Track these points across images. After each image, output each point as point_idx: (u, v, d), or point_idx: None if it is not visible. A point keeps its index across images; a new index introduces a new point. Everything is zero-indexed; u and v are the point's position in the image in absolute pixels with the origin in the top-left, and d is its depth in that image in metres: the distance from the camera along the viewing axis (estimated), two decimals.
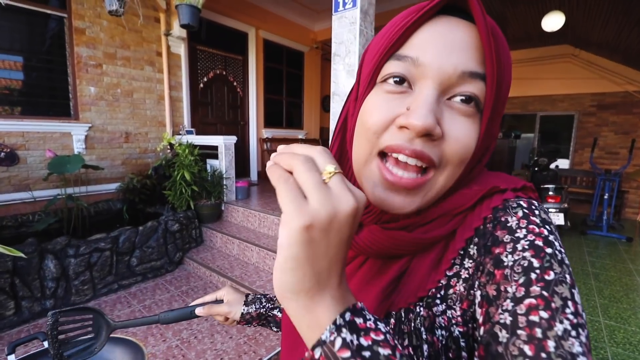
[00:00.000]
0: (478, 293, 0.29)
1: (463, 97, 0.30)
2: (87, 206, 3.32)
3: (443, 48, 0.30)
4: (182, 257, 3.25)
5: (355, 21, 2.37)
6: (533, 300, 0.24)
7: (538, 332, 0.22)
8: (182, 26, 3.04)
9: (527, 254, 0.27)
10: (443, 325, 0.30)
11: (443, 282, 0.32)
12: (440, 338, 0.30)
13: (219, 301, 0.65)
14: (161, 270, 3.05)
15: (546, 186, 4.52)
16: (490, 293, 0.27)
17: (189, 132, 4.22)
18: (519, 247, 0.28)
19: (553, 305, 0.23)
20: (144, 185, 3.77)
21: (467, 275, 0.31)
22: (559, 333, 0.22)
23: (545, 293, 0.24)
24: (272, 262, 2.85)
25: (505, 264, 0.27)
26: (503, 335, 0.24)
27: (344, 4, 2.40)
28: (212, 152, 3.92)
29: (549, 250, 0.27)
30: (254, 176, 5.61)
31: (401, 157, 0.30)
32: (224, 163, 3.78)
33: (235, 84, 5.25)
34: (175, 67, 4.29)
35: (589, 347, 0.23)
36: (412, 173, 0.31)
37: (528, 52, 6.25)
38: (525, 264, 0.26)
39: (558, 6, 3.90)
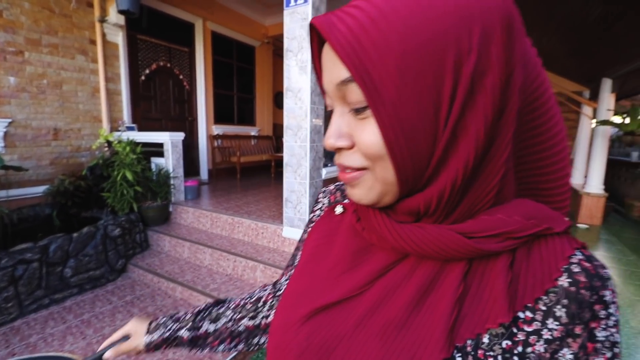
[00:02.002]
0: None
1: (352, 109, 0.30)
2: (8, 212, 2.92)
3: (325, 71, 0.32)
4: (126, 264, 3.01)
5: (307, 17, 2.37)
6: None
7: None
8: (120, 12, 2.78)
9: (614, 330, 0.29)
10: None
11: (518, 335, 0.29)
12: None
13: (125, 338, 0.60)
14: (101, 280, 2.79)
15: None
16: None
17: (129, 129, 3.90)
18: (611, 323, 0.29)
19: None
20: (78, 188, 3.41)
21: (550, 337, 0.29)
22: None
23: None
24: (226, 263, 2.77)
25: (598, 338, 0.28)
26: None
27: (296, 0, 2.38)
28: (157, 149, 3.67)
29: (619, 324, 0.29)
30: (204, 175, 5.37)
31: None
32: (170, 161, 3.56)
33: (181, 77, 4.96)
34: (113, 57, 3.93)
35: None
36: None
37: None
38: (612, 339, 0.28)
39: None
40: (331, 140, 0.32)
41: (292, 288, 0.40)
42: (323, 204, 0.51)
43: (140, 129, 4.12)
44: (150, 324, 0.60)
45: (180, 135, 3.61)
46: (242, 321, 0.57)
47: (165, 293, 2.68)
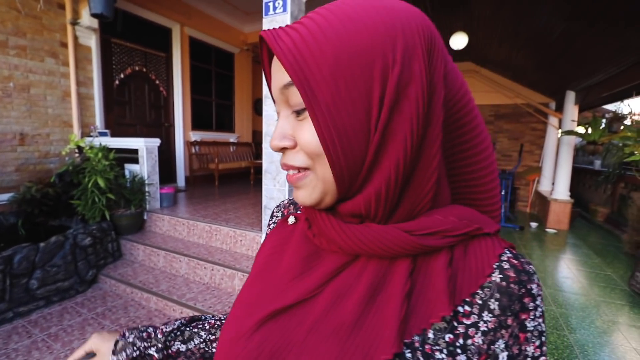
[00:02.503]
0: (505, 354, 0.31)
1: (293, 110, 0.33)
2: None
3: (272, 78, 0.34)
4: (96, 275, 2.89)
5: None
6: (544, 358, 0.32)
7: None
8: (93, 15, 2.71)
9: (541, 320, 0.32)
10: None
11: (459, 329, 0.31)
12: None
13: (90, 355, 0.56)
14: (70, 291, 2.67)
15: None
16: (514, 352, 0.31)
17: (102, 134, 3.78)
18: (538, 314, 0.32)
19: None
20: (46, 195, 3.25)
21: (486, 329, 0.31)
22: None
23: (545, 349, 0.32)
24: (203, 272, 2.71)
25: (528, 328, 0.32)
26: None
27: (274, 8, 2.41)
28: (131, 156, 3.57)
29: (544, 313, 0.33)
30: (181, 182, 5.26)
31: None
32: (145, 168, 3.47)
33: (157, 82, 4.87)
34: (85, 61, 3.81)
35: None
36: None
37: None
38: (540, 329, 0.32)
39: (463, 27, 4.47)
40: (275, 141, 0.34)
41: (243, 297, 0.39)
42: (277, 218, 0.52)
43: (114, 135, 4.00)
44: (116, 343, 0.55)
45: (155, 141, 3.53)
46: (215, 343, 0.55)
47: (138, 304, 2.59)
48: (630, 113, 4.53)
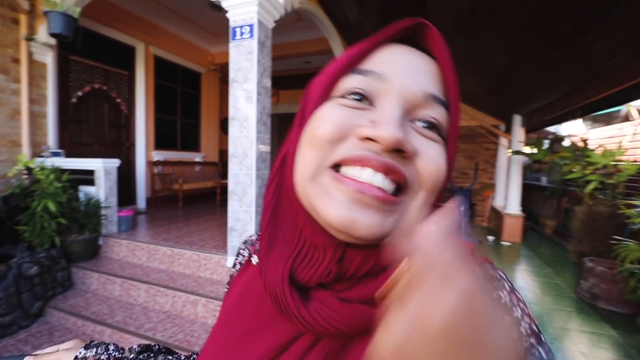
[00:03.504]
0: None
1: (426, 122, 0.28)
2: None
3: (408, 68, 0.29)
4: (43, 308, 2.65)
5: (253, 51, 2.46)
6: None
7: None
8: (52, 35, 2.61)
9: (532, 339, 0.26)
10: None
11: None
12: None
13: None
14: (11, 327, 2.41)
15: None
16: None
17: (55, 154, 3.55)
18: (523, 331, 0.26)
19: None
20: None
21: None
22: None
23: None
24: (164, 299, 2.58)
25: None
26: None
27: (242, 33, 2.47)
28: (87, 177, 3.37)
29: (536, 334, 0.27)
30: (141, 203, 5.02)
31: (365, 174, 0.26)
32: (102, 190, 3.30)
33: (118, 100, 4.70)
34: (39, 78, 3.62)
35: None
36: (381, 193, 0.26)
37: None
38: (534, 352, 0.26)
39: None
40: (401, 133, 0.25)
41: (203, 354, 0.36)
42: (243, 257, 0.44)
43: (69, 155, 3.78)
44: (90, 341, 0.51)
45: (114, 162, 3.38)
46: None
47: (91, 338, 2.39)
48: (568, 135, 5.04)
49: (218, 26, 5.34)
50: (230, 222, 2.62)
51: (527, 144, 5.71)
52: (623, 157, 3.94)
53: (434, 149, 0.27)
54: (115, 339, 2.33)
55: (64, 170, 3.13)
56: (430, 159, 0.27)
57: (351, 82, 0.29)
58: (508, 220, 5.96)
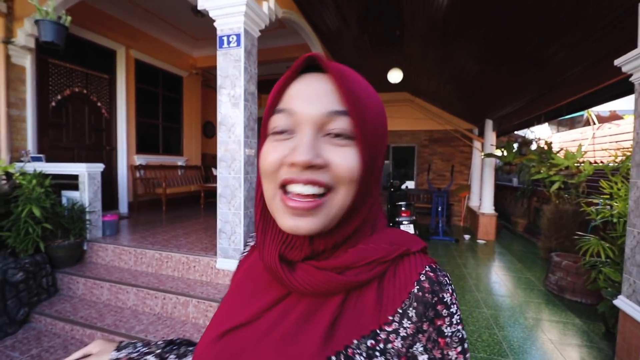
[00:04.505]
0: (425, 357, 0.35)
1: (334, 133, 0.36)
2: None
3: (310, 96, 0.36)
4: (29, 314, 2.62)
5: (240, 59, 2.56)
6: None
7: None
8: (45, 43, 2.61)
9: (460, 327, 0.37)
10: None
11: (381, 336, 0.36)
12: None
13: (87, 356, 0.60)
14: None
15: (399, 203, 5.53)
16: (436, 356, 0.35)
17: (35, 159, 3.50)
18: (454, 321, 0.36)
19: None
20: None
21: (405, 334, 0.35)
22: None
23: (468, 355, 0.37)
24: (154, 301, 2.62)
25: (446, 334, 0.36)
26: None
27: (229, 42, 2.56)
28: (69, 182, 3.35)
29: (461, 320, 0.38)
30: (123, 208, 4.97)
31: (297, 188, 0.35)
32: (87, 195, 3.28)
33: (99, 104, 4.65)
34: (18, 81, 3.55)
35: None
36: (310, 199, 0.36)
37: (382, 95, 7.69)
38: (459, 335, 0.36)
39: (397, 63, 5.03)
40: (309, 156, 0.34)
41: (216, 314, 0.45)
42: (249, 246, 0.55)
43: (49, 159, 3.72)
44: (120, 343, 0.61)
45: (99, 167, 3.37)
46: None
47: (80, 341, 2.40)
48: (535, 139, 5.39)
49: (200, 31, 5.38)
50: (219, 224, 2.69)
51: (498, 147, 6.07)
52: (584, 159, 4.30)
53: (342, 152, 0.36)
54: None
55: (46, 175, 3.10)
56: (339, 163, 0.35)
57: (275, 121, 0.38)
58: (483, 220, 6.29)
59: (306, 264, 0.38)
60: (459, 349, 0.36)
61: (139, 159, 5.23)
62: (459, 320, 0.37)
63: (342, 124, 0.36)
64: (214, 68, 6.48)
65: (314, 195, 0.35)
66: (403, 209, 5.46)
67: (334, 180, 0.36)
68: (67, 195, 3.37)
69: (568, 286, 3.58)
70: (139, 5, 4.44)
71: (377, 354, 0.35)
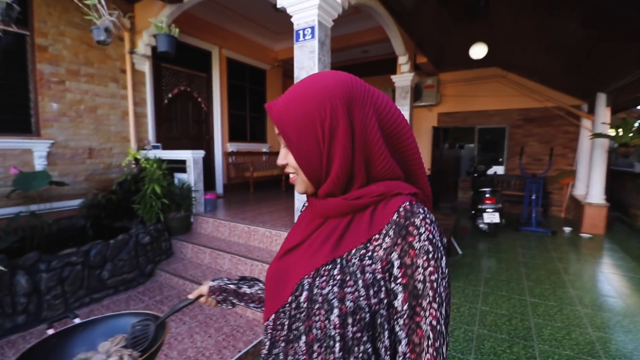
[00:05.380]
0: (398, 262, 0.48)
1: (284, 146, 0.57)
2: (50, 223, 3.29)
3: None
4: (153, 269, 3.32)
5: (314, 50, 2.73)
6: (432, 269, 0.47)
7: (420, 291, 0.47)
8: (161, 53, 3.23)
9: (427, 243, 0.48)
10: (369, 271, 0.49)
11: (370, 247, 0.50)
12: (369, 277, 0.49)
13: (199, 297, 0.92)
14: (133, 282, 3.10)
15: (483, 189, 5.15)
16: (407, 262, 0.48)
17: (155, 147, 4.30)
18: (422, 238, 0.48)
19: (431, 291, 0.47)
20: (109, 201, 3.78)
21: (386, 246, 0.49)
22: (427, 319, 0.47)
23: (433, 263, 0.47)
24: (244, 267, 3.05)
25: (415, 247, 0.48)
26: (419, 287, 0.47)
27: (304, 35, 2.75)
28: (179, 166, 4.04)
29: (433, 240, 0.49)
30: (219, 189, 5.73)
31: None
32: (192, 176, 3.92)
33: (199, 100, 5.40)
34: (140, 84, 4.38)
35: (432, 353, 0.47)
36: (292, 177, 0.59)
37: (465, 73, 7.09)
38: (425, 249, 0.48)
39: (482, 37, 4.61)
40: (278, 161, 0.60)
41: (283, 242, 0.65)
42: (305, 204, 0.76)
43: (164, 148, 4.52)
44: (213, 279, 0.91)
45: (201, 153, 3.98)
46: None
47: (190, 293, 2.96)
48: None
49: (280, 25, 5.72)
50: (297, 203, 2.97)
51: (612, 126, 5.12)
52: None
53: (289, 155, 0.56)
54: None
55: (163, 160, 3.80)
56: (289, 161, 0.57)
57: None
58: (589, 210, 5.45)
59: (324, 199, 0.57)
60: (424, 257, 0.47)
61: (231, 147, 5.93)
62: (427, 237, 0.48)
63: (282, 139, 0.55)
64: (293, 59, 6.89)
65: (294, 175, 0.59)
66: (487, 195, 5.08)
67: (294, 168, 0.57)
68: (178, 176, 4.07)
69: None
70: (228, 7, 4.95)
71: (366, 258, 0.50)
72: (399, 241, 0.49)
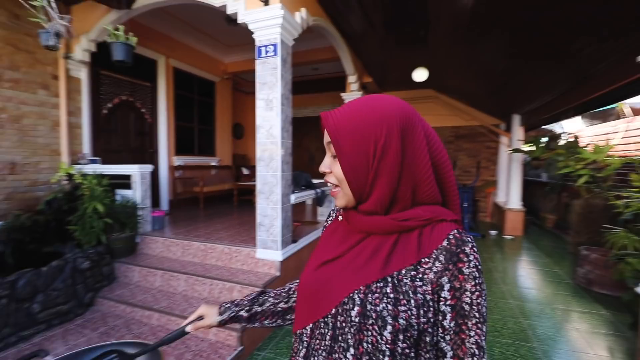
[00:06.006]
0: (448, 285, 0.51)
1: (332, 155, 0.60)
2: None
3: (325, 136, 0.61)
4: (94, 298, 2.99)
5: (277, 67, 2.79)
6: (478, 293, 0.51)
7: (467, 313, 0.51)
8: (116, 62, 2.99)
9: (475, 270, 0.51)
10: (420, 292, 0.51)
11: (420, 269, 0.53)
12: (420, 297, 0.51)
13: (200, 318, 0.86)
14: (69, 314, 2.75)
15: None
16: (455, 285, 0.51)
17: (93, 161, 3.91)
18: (471, 265, 0.51)
19: (477, 313, 0.51)
20: (35, 222, 3.31)
21: (436, 270, 0.52)
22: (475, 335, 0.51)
23: (479, 287, 0.51)
24: (202, 287, 2.91)
25: (465, 272, 0.51)
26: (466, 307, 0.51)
27: (267, 52, 2.80)
28: (122, 181, 3.72)
29: (479, 267, 0.52)
30: (164, 205, 5.37)
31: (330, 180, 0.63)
32: (139, 193, 3.64)
33: (143, 110, 5.06)
34: (75, 92, 3.97)
35: None
36: (333, 189, 0.62)
37: (405, 93, 7.73)
38: (474, 275, 0.51)
39: (422, 62, 5.12)
40: (322, 168, 0.63)
41: (314, 254, 0.66)
42: (332, 216, 0.78)
43: (102, 162, 4.13)
44: (220, 307, 0.86)
45: (149, 167, 3.73)
46: (279, 305, 0.83)
47: (140, 322, 2.73)
48: (563, 133, 5.31)
49: (231, 38, 5.68)
50: (259, 218, 2.95)
51: (526, 142, 6.01)
52: (614, 153, 4.23)
53: (336, 165, 0.59)
54: (162, 322, 2.67)
55: (104, 176, 3.47)
56: (334, 171, 0.60)
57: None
58: (510, 215, 6.25)
59: (367, 215, 0.59)
60: (472, 282, 0.51)
61: (178, 160, 5.63)
62: (475, 265, 0.52)
63: (332, 148, 0.58)
64: (244, 72, 6.86)
65: (335, 186, 0.62)
66: None
67: (338, 179, 0.60)
68: (121, 193, 3.74)
69: (596, 279, 3.59)
70: (178, 17, 4.79)
71: (417, 279, 0.53)
72: (450, 267, 0.52)
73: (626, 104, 5.26)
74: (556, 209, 6.81)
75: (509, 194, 6.46)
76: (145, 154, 5.14)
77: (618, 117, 5.32)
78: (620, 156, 4.13)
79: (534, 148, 5.44)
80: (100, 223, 3.14)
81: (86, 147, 4.11)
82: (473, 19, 3.33)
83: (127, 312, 2.84)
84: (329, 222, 0.77)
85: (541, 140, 5.37)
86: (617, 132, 5.01)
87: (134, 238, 3.57)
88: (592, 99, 3.80)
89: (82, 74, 4.04)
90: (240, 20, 2.85)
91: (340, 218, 0.70)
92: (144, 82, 5.04)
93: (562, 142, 5.23)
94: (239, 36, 5.49)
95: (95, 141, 4.28)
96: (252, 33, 2.87)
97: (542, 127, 7.31)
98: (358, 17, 3.90)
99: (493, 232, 6.33)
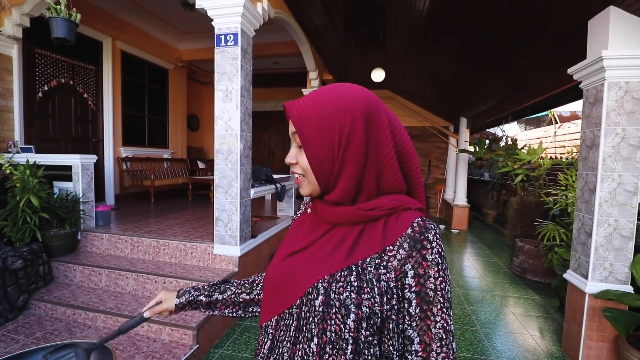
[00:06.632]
0: (412, 272, 0.52)
1: (297, 145, 0.58)
2: None
3: (290, 126, 0.58)
4: (28, 301, 2.70)
5: (237, 57, 2.72)
6: (441, 278, 0.52)
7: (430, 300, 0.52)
8: (56, 39, 2.65)
9: (438, 256, 0.52)
10: (384, 280, 0.52)
11: (384, 257, 0.53)
12: (383, 285, 0.52)
13: (159, 303, 0.84)
14: None
15: None
16: (419, 272, 0.52)
17: (25, 150, 3.51)
18: (434, 251, 0.52)
19: (441, 298, 0.52)
20: None
21: (400, 257, 0.52)
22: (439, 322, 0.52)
23: (443, 273, 0.52)
24: (154, 285, 2.77)
25: (428, 259, 0.52)
26: (430, 294, 0.52)
27: (226, 41, 2.71)
28: (60, 172, 3.39)
29: (442, 254, 0.53)
30: (110, 200, 4.99)
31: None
32: (80, 185, 3.34)
33: (85, 96, 4.63)
34: (5, 72, 3.53)
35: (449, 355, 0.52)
36: (298, 178, 0.61)
37: None
38: (437, 260, 0.52)
39: (380, 63, 5.30)
40: (288, 159, 0.61)
41: (280, 247, 0.65)
42: (302, 208, 0.76)
43: (36, 150, 3.72)
44: (178, 291, 0.84)
45: (92, 158, 3.43)
46: (242, 295, 0.81)
47: (83, 324, 2.53)
48: (504, 136, 5.83)
49: (186, 24, 5.41)
50: (217, 212, 2.86)
51: (471, 144, 6.50)
52: (546, 154, 4.75)
53: (301, 155, 0.58)
54: (109, 324, 2.49)
55: (39, 166, 3.13)
56: (300, 161, 0.58)
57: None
58: (456, 211, 6.72)
59: (333, 206, 0.58)
60: (435, 268, 0.52)
61: (125, 151, 5.24)
62: (438, 251, 0.53)
63: (297, 139, 0.57)
64: (200, 62, 6.58)
65: (301, 177, 0.61)
66: None
67: (303, 169, 0.58)
68: (59, 186, 3.41)
69: (529, 268, 4.01)
70: None
71: (381, 267, 0.53)
72: (413, 254, 0.52)
73: (556, 112, 5.91)
74: (496, 205, 7.46)
75: (456, 191, 6.95)
76: (89, 143, 4.72)
77: (550, 123, 5.96)
78: (551, 158, 4.63)
79: (477, 149, 5.90)
80: (35, 218, 2.84)
81: (17, 133, 3.68)
82: (427, 25, 3.51)
83: (68, 314, 2.61)
84: (299, 214, 0.77)
85: (484, 142, 5.84)
86: (548, 137, 5.62)
87: (76, 235, 3.28)
88: (528, 106, 4.21)
89: (13, 52, 3.60)
90: (198, 5, 2.73)
91: (309, 211, 0.69)
92: (87, 64, 4.61)
93: (502, 144, 5.74)
94: (195, 22, 5.24)
95: (28, 127, 3.84)
96: (211, 20, 2.76)
97: (486, 129, 7.96)
98: (320, 13, 3.93)
99: (442, 227, 6.77)
